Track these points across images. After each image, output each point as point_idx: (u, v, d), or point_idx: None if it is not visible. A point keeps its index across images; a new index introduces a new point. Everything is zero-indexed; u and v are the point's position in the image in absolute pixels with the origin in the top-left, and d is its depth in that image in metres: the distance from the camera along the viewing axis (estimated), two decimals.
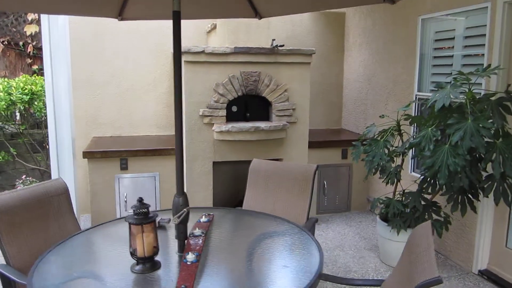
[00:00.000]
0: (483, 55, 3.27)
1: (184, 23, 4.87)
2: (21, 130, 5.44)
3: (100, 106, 4.73)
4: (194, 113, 3.99)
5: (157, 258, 2.00)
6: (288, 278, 1.93)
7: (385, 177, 3.38)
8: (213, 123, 4.03)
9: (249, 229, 2.57)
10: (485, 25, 3.23)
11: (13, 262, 2.27)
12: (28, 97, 4.91)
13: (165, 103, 4.89)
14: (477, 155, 2.69)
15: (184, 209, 2.03)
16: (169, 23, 4.74)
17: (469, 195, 2.91)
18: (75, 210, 4.15)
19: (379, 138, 3.29)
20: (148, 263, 1.95)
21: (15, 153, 5.46)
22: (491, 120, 2.58)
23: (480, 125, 2.53)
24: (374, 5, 4.69)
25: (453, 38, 3.64)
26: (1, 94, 4.81)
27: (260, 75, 4.05)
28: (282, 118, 4.18)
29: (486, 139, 2.57)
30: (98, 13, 2.95)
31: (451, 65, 3.66)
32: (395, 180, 3.34)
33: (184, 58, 3.88)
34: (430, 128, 2.78)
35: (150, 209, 1.95)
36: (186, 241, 2.10)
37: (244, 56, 3.99)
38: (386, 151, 3.22)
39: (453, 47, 3.66)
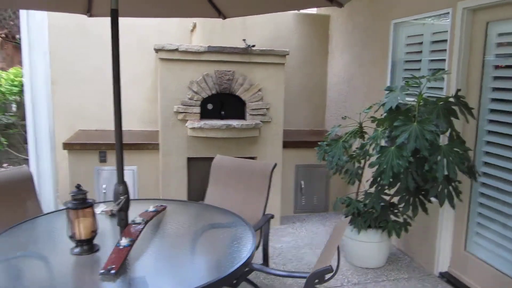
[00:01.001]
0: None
1: (168, 20, 5.00)
2: (13, 121, 5.62)
3: (85, 100, 4.86)
4: (169, 109, 4.11)
5: (97, 242, 2.12)
6: (212, 265, 2.04)
7: (347, 177, 3.45)
8: (187, 120, 4.14)
9: (195, 220, 2.68)
10: (447, 31, 3.29)
11: None
12: (18, 88, 5.07)
13: (148, 99, 5.01)
14: (423, 157, 2.75)
15: (121, 197, 2.14)
16: (154, 21, 4.92)
17: (421, 197, 2.97)
18: (55, 198, 4.32)
19: (338, 139, 3.36)
20: (86, 246, 2.06)
21: (5, 143, 5.63)
22: (435, 123, 2.64)
23: (425, 128, 2.59)
24: (354, 8, 4.76)
25: (421, 43, 3.70)
26: None
27: (234, 74, 4.15)
28: (256, 117, 4.28)
29: (435, 142, 2.63)
30: (67, 9, 3.07)
31: (419, 69, 3.72)
32: (355, 180, 3.41)
33: (159, 55, 3.99)
34: (380, 130, 2.85)
35: None
36: (126, 227, 2.21)
37: (218, 55, 4.09)
38: (344, 151, 3.29)
39: (421, 51, 3.71)
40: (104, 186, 4.36)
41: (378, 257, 3.52)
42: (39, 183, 3.99)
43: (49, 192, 4.03)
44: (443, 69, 3.22)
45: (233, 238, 2.33)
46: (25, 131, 5.74)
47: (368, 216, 3.32)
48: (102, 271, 1.82)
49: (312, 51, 5.46)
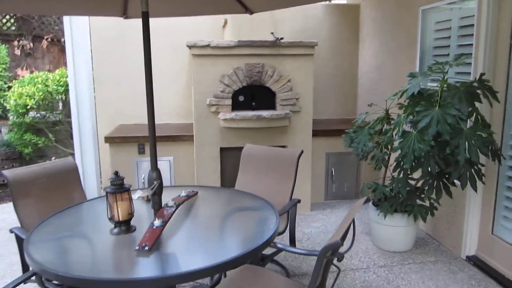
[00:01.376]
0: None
1: (201, 18, 5.19)
2: (59, 119, 6.04)
3: (125, 97, 5.16)
4: (202, 102, 4.31)
5: (134, 223, 2.34)
6: (237, 243, 2.21)
7: (373, 163, 3.52)
8: (220, 111, 4.32)
9: (224, 204, 2.85)
10: (474, 15, 3.27)
11: (25, 225, 2.70)
12: (63, 88, 5.45)
13: (184, 94, 5.24)
14: (445, 141, 2.78)
15: (155, 182, 2.35)
16: (187, 20, 5.13)
17: (444, 180, 3.01)
18: (98, 187, 4.66)
19: (364, 126, 3.44)
20: (123, 226, 2.28)
21: (53, 138, 6.06)
22: (457, 107, 2.68)
23: (446, 112, 2.63)
24: None
25: (450, 28, 3.69)
26: (40, 86, 5.39)
27: (263, 67, 4.29)
28: (286, 107, 4.40)
29: (457, 126, 2.67)
30: (105, 13, 3.31)
31: (448, 55, 3.71)
32: (381, 166, 3.47)
33: (191, 51, 4.20)
34: (403, 116, 2.91)
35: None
36: (160, 210, 2.42)
37: (248, 49, 4.24)
38: (370, 138, 3.36)
39: (449, 37, 3.70)
40: (143, 176, 4.64)
41: (405, 241, 3.58)
42: (84, 174, 4.32)
43: (93, 181, 4.35)
44: (466, 54, 3.21)
45: (259, 220, 2.49)
46: (71, 127, 6.17)
47: (394, 200, 3.39)
48: (137, 248, 2.03)
49: (342, 40, 5.51)
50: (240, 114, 4.21)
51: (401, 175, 3.20)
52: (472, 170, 2.75)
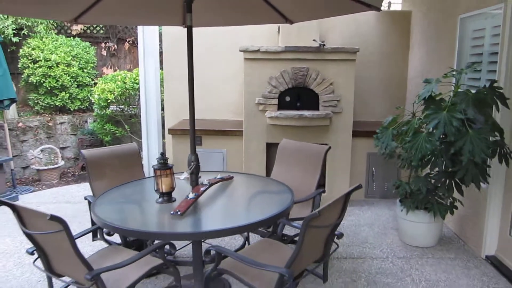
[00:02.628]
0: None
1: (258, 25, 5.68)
2: (135, 112, 6.90)
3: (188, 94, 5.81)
4: (251, 101, 4.82)
5: (175, 196, 2.90)
6: (256, 214, 2.70)
7: (398, 162, 3.80)
8: (266, 110, 4.81)
9: (253, 187, 3.33)
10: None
11: (96, 194, 3.39)
12: (138, 86, 6.26)
13: (240, 93, 5.80)
14: (452, 142, 3.01)
15: (193, 163, 2.90)
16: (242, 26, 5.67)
17: (456, 179, 3.23)
18: None
19: (389, 127, 3.73)
20: (166, 197, 2.86)
21: (128, 129, 6.94)
22: (462, 111, 2.91)
23: (453, 115, 2.88)
24: (431, 4, 4.95)
25: (483, 37, 3.85)
26: (119, 83, 6.25)
27: (308, 70, 4.71)
28: (328, 108, 4.78)
29: (462, 129, 2.91)
30: (168, 23, 3.94)
31: (481, 62, 3.87)
32: (405, 164, 3.73)
33: (244, 55, 4.73)
34: (416, 118, 3.18)
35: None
36: (195, 186, 2.97)
37: (294, 54, 4.68)
38: (394, 138, 3.65)
39: (483, 45, 3.86)
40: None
41: (428, 237, 3.81)
42: (148, 159, 5.03)
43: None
44: (479, 62, 3.39)
45: (278, 200, 2.93)
46: None
47: (415, 197, 3.65)
48: (172, 212, 2.58)
49: (391, 47, 5.73)
50: (284, 113, 4.66)
51: (421, 173, 3.46)
52: (476, 170, 2.96)
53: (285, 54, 4.70)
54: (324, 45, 4.59)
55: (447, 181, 3.25)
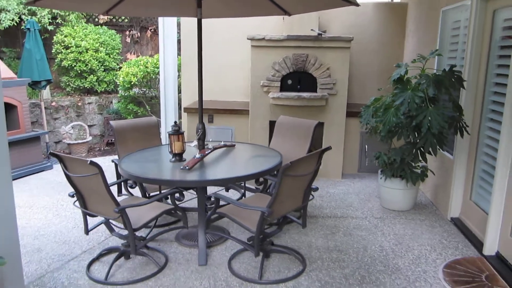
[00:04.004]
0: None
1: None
2: (155, 94, 7.61)
3: (203, 78, 6.47)
4: (257, 83, 5.45)
5: (185, 157, 3.58)
6: (251, 169, 3.36)
7: (379, 136, 4.38)
8: (270, 91, 5.44)
9: (252, 153, 3.99)
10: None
11: (121, 158, 4.10)
12: (158, 70, 6.96)
13: (248, 77, 6.41)
14: (414, 116, 3.58)
15: (200, 130, 3.57)
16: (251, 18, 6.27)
17: (421, 148, 3.82)
18: None
19: (369, 106, 4.31)
20: (177, 157, 3.54)
21: (149, 109, 7.67)
22: (425, 90, 3.48)
23: (416, 94, 3.46)
24: None
25: (459, 28, 4.36)
26: (141, 67, 6.96)
27: (307, 57, 5.30)
28: (324, 90, 5.37)
29: (423, 105, 3.49)
30: (183, 14, 4.59)
31: (456, 50, 4.39)
32: (379, 137, 4.30)
33: (251, 43, 5.35)
34: (387, 97, 3.76)
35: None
36: (202, 149, 3.64)
37: (295, 42, 5.28)
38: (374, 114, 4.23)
39: (458, 35, 4.37)
40: (210, 139, 5.92)
41: (403, 202, 4.40)
42: (166, 136, 5.73)
43: None
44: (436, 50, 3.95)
45: (271, 161, 3.58)
46: None
47: (392, 166, 4.24)
48: (182, 167, 3.26)
49: (390, 35, 6.25)
50: (285, 94, 5.28)
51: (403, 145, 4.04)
52: (434, 139, 3.54)
53: (287, 42, 5.30)
54: (322, 34, 5.17)
55: (414, 150, 3.83)
